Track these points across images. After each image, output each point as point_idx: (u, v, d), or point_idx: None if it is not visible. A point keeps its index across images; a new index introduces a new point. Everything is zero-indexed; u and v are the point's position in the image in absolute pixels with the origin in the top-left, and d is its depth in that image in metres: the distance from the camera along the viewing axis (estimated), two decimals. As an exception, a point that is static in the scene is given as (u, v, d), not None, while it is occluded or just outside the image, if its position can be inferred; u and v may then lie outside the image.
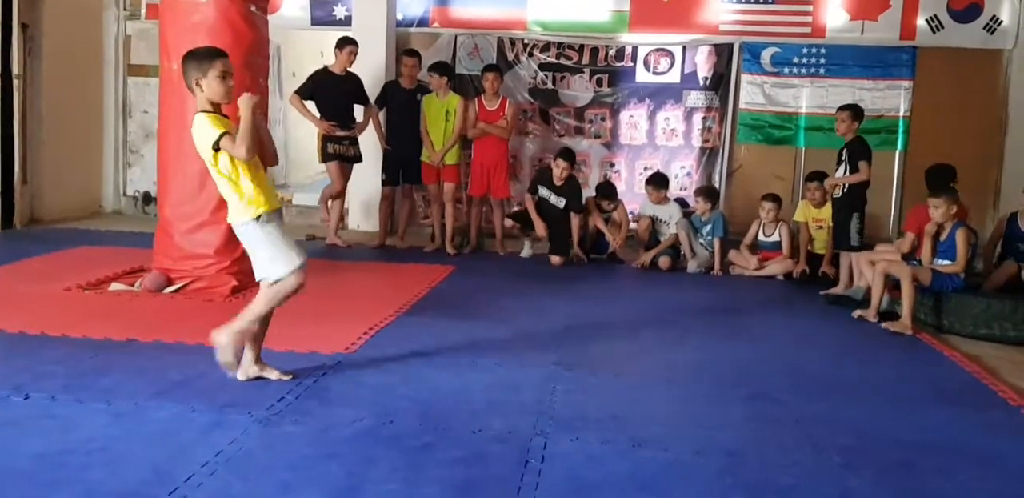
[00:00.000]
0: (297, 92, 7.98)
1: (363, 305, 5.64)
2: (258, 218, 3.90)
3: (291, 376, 4.03)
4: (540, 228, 7.75)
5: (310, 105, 7.93)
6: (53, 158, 8.88)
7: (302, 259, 3.93)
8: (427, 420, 3.61)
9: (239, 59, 5.77)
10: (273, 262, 3.91)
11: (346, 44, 7.86)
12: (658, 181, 7.91)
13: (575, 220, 7.76)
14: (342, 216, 8.41)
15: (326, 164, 8.08)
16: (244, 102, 3.80)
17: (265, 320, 4.01)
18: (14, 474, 2.92)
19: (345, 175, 8.08)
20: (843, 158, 6.66)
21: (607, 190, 7.91)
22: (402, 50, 8.49)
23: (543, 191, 7.86)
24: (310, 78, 8.01)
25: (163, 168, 6.04)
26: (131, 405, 3.61)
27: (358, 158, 8.13)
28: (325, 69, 7.97)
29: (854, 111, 6.70)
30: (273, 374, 4.02)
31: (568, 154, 7.85)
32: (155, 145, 8.04)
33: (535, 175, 8.20)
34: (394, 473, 3.07)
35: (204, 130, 3.82)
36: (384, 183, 8.22)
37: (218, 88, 3.86)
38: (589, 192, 8.55)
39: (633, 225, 8.15)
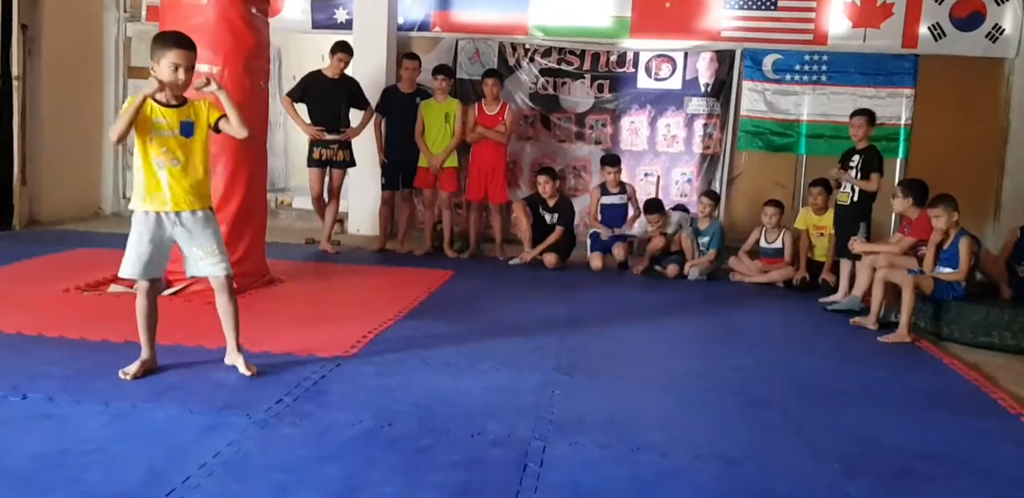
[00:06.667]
0: (288, 94, 7.98)
1: (362, 308, 5.63)
2: (133, 212, 4.03)
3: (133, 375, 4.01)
4: (524, 225, 7.92)
5: (301, 108, 7.92)
6: (52, 159, 8.87)
7: (144, 275, 4.02)
8: (426, 423, 3.60)
9: (239, 61, 5.81)
10: (124, 259, 4.02)
11: (337, 51, 7.85)
12: (659, 209, 7.89)
13: (559, 234, 7.87)
14: (337, 221, 8.38)
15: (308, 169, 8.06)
16: (148, 84, 3.86)
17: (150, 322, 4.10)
18: (11, 474, 2.91)
19: (323, 181, 8.00)
20: (853, 165, 6.65)
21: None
22: (402, 54, 8.50)
23: (539, 211, 8.00)
24: (302, 80, 8.00)
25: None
26: (129, 406, 3.60)
27: (350, 162, 8.09)
28: (318, 72, 7.96)
29: (869, 116, 6.71)
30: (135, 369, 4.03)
31: (547, 170, 8.14)
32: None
33: (528, 197, 8.22)
34: (392, 476, 3.05)
35: (122, 106, 3.95)
36: (384, 187, 8.21)
37: (167, 79, 3.88)
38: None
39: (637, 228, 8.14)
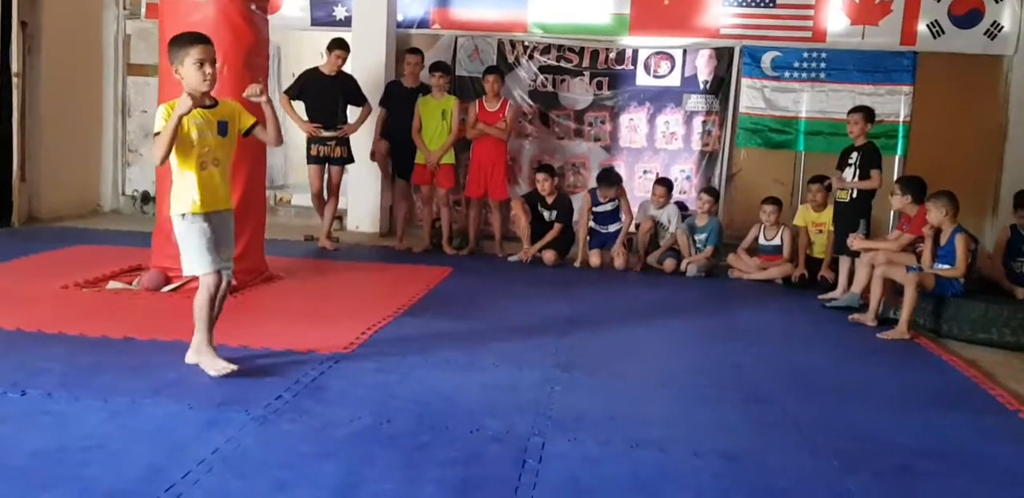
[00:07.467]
0: (286, 92, 8.02)
1: (361, 305, 5.63)
2: (183, 215, 4.01)
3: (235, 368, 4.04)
4: (523, 223, 7.92)
5: (299, 105, 7.93)
6: (52, 156, 8.86)
7: (216, 266, 4.03)
8: (424, 420, 3.60)
9: (239, 59, 5.81)
10: (188, 260, 4.05)
11: (334, 47, 7.85)
12: (668, 183, 7.96)
13: (557, 231, 7.88)
14: (336, 218, 8.39)
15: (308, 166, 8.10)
16: (181, 102, 3.77)
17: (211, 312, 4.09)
18: (10, 471, 2.91)
19: (322, 177, 8.02)
20: (852, 162, 6.66)
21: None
22: (404, 48, 8.51)
23: (538, 208, 8.00)
24: (299, 77, 8.04)
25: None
26: (128, 402, 3.60)
27: (348, 159, 8.08)
28: (315, 69, 7.96)
29: (866, 113, 6.72)
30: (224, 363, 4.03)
31: (545, 168, 8.13)
32: (154, 144, 8.04)
33: (527, 194, 8.23)
34: (391, 472, 3.06)
35: (156, 120, 3.88)
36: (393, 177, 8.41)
37: (194, 76, 3.88)
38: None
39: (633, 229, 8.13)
